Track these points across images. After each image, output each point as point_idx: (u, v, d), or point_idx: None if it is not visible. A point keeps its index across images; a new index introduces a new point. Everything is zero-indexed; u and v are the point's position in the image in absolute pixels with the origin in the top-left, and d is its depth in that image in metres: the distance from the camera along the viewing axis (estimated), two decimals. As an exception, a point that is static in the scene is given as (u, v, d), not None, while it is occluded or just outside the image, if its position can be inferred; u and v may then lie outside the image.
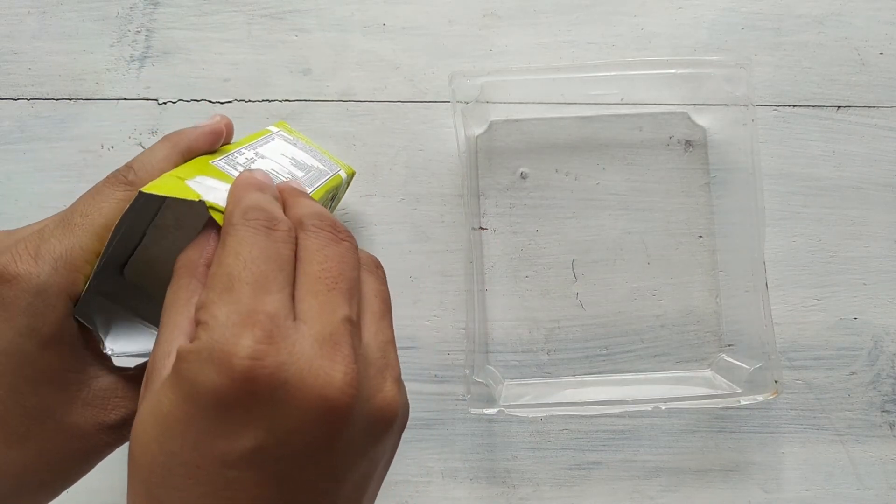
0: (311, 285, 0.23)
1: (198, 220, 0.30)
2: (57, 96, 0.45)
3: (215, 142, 0.32)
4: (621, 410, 0.41)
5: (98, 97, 0.45)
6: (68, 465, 0.27)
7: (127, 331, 0.29)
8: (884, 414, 0.44)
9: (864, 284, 0.44)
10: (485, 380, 0.40)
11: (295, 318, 0.22)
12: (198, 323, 0.22)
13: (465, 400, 0.42)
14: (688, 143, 0.45)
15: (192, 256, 0.25)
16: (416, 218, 0.44)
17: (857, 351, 0.44)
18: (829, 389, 0.44)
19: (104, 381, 0.27)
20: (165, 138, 0.30)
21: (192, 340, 0.22)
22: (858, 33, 0.46)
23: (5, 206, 0.44)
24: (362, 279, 0.26)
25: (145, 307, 0.31)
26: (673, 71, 0.42)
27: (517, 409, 0.40)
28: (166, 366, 0.22)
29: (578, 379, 0.43)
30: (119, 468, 0.44)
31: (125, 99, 0.45)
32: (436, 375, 0.43)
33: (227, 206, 0.26)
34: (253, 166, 0.32)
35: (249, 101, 0.45)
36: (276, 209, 0.26)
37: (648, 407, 0.40)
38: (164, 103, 0.45)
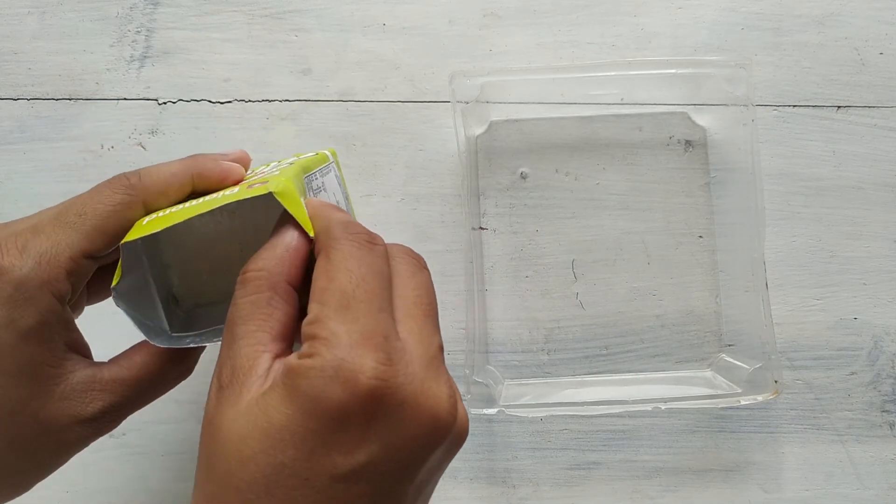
0: (409, 308, 0.25)
1: (257, 216, 0.29)
2: (57, 96, 0.45)
3: (230, 175, 0.31)
4: (621, 410, 0.41)
5: (98, 97, 0.45)
6: (42, 458, 0.27)
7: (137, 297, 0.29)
8: (884, 414, 0.44)
9: (864, 284, 0.44)
10: (485, 380, 0.40)
11: (399, 338, 0.23)
12: (312, 338, 0.22)
13: (465, 400, 0.42)
14: (688, 143, 0.45)
15: (271, 267, 0.25)
16: (416, 218, 0.44)
17: (857, 351, 0.44)
18: (829, 389, 0.44)
19: (82, 374, 0.27)
20: (186, 157, 0.30)
21: (302, 356, 0.22)
22: (858, 33, 0.46)
23: (5, 206, 0.44)
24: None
25: (161, 278, 0.31)
26: (673, 71, 0.42)
27: (517, 409, 0.40)
28: (261, 378, 0.23)
29: (578, 379, 0.43)
30: (119, 468, 0.44)
31: (125, 99, 0.45)
32: (436, 375, 0.43)
33: (318, 220, 0.26)
34: (320, 196, 0.31)
35: (249, 101, 0.45)
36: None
37: (648, 407, 0.40)
38: (164, 103, 0.45)
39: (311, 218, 0.26)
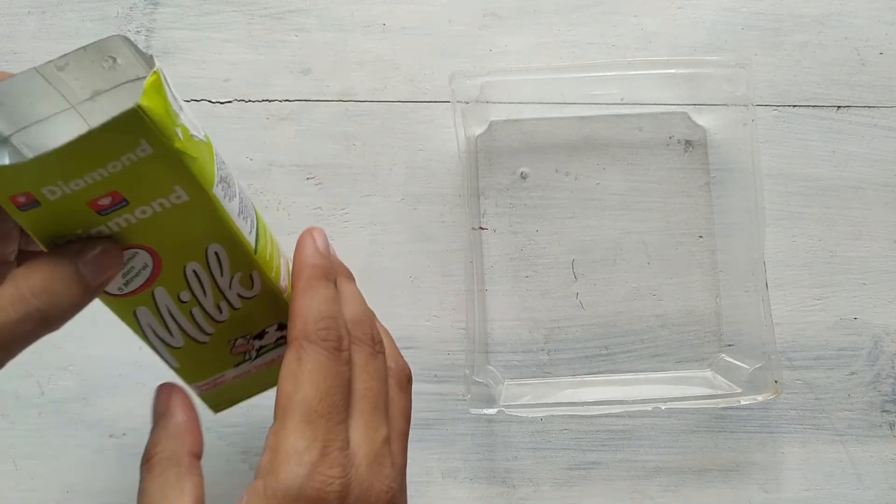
0: (358, 403, 0.27)
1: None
2: (57, 96, 0.45)
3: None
4: (621, 410, 0.41)
5: (98, 97, 0.45)
6: None
7: None
8: (884, 414, 0.44)
9: (864, 284, 0.44)
10: (485, 380, 0.40)
11: (350, 443, 0.26)
12: (275, 450, 0.25)
13: (465, 400, 0.42)
14: (688, 143, 0.45)
15: (171, 447, 0.26)
16: (416, 218, 0.44)
17: (857, 351, 0.44)
18: (829, 389, 0.44)
19: None
20: None
21: (266, 474, 0.24)
22: (858, 33, 0.46)
23: (5, 206, 0.44)
24: (391, 397, 0.29)
25: None
26: (673, 71, 0.42)
27: (517, 409, 0.40)
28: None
29: (578, 379, 0.43)
30: (119, 468, 0.44)
31: (125, 99, 0.45)
32: (436, 375, 0.43)
33: (298, 314, 0.27)
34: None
35: (249, 101, 0.45)
36: (340, 314, 0.28)
37: (648, 407, 0.40)
38: (164, 103, 0.45)
39: (293, 307, 0.27)
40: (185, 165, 0.23)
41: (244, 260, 0.27)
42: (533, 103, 0.45)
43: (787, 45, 0.46)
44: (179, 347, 0.29)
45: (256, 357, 0.31)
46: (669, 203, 0.45)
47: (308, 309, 0.27)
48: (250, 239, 0.27)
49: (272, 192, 0.44)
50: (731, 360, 0.43)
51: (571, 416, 0.43)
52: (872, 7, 0.46)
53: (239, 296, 0.28)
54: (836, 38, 0.46)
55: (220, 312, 0.28)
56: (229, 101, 0.45)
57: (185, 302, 0.27)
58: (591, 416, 0.43)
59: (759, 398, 0.40)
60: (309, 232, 0.29)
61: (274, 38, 0.45)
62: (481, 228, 0.44)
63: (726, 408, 0.43)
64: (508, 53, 0.45)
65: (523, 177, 0.45)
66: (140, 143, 0.22)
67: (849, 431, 0.44)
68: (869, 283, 0.44)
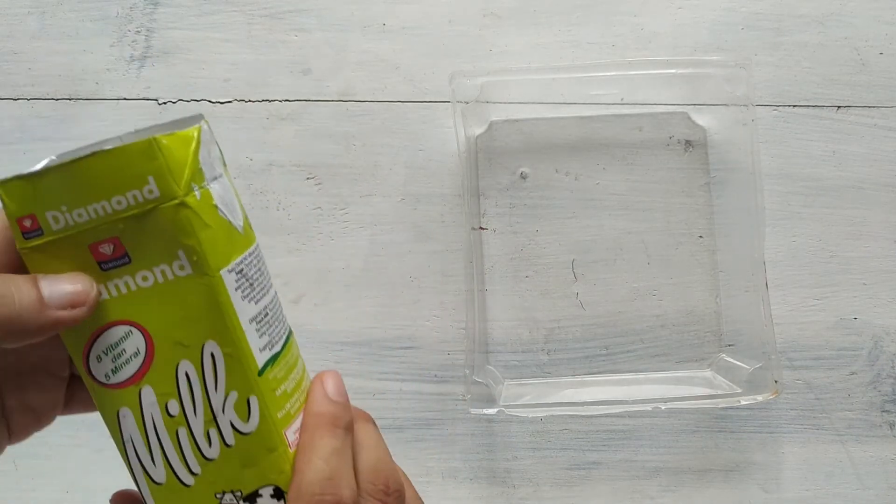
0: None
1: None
2: (57, 96, 0.45)
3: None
4: (621, 410, 0.41)
5: (98, 97, 0.45)
6: None
7: None
8: (884, 414, 0.44)
9: (864, 284, 0.44)
10: (485, 380, 0.40)
11: None
12: None
13: (465, 400, 0.42)
14: (688, 143, 0.45)
15: None
16: (416, 218, 0.44)
17: (857, 351, 0.44)
18: (829, 389, 0.44)
19: None
20: None
21: None
22: (858, 33, 0.46)
23: (5, 206, 0.44)
24: None
25: None
26: (673, 71, 0.42)
27: (517, 409, 0.40)
28: None
29: (578, 379, 0.43)
30: (119, 468, 0.44)
31: (125, 99, 0.45)
32: (436, 375, 0.43)
33: (298, 460, 0.24)
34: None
35: (249, 101, 0.45)
36: (346, 469, 0.25)
37: (648, 407, 0.40)
38: (164, 103, 0.45)
39: (294, 464, 0.24)
40: (190, 225, 0.22)
41: (242, 376, 0.23)
42: (533, 103, 0.45)
43: (787, 45, 0.46)
44: (161, 484, 0.25)
45: None
46: (669, 203, 0.44)
47: (307, 467, 0.24)
48: (260, 357, 0.24)
49: (272, 192, 0.44)
50: (731, 360, 0.43)
51: (571, 416, 0.43)
52: (872, 7, 0.46)
53: (233, 427, 0.24)
54: (836, 38, 0.46)
55: (210, 445, 0.24)
56: (229, 101, 0.45)
57: (173, 416, 0.24)
58: (592, 416, 0.43)
59: (759, 398, 0.40)
60: (319, 377, 0.26)
61: (274, 38, 0.45)
62: (481, 228, 0.44)
63: (726, 408, 0.43)
64: (508, 53, 0.45)
65: (523, 177, 0.45)
66: (147, 180, 0.21)
67: (849, 431, 0.44)
68: (869, 283, 0.44)
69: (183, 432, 0.24)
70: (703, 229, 0.44)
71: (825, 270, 0.44)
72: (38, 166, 0.23)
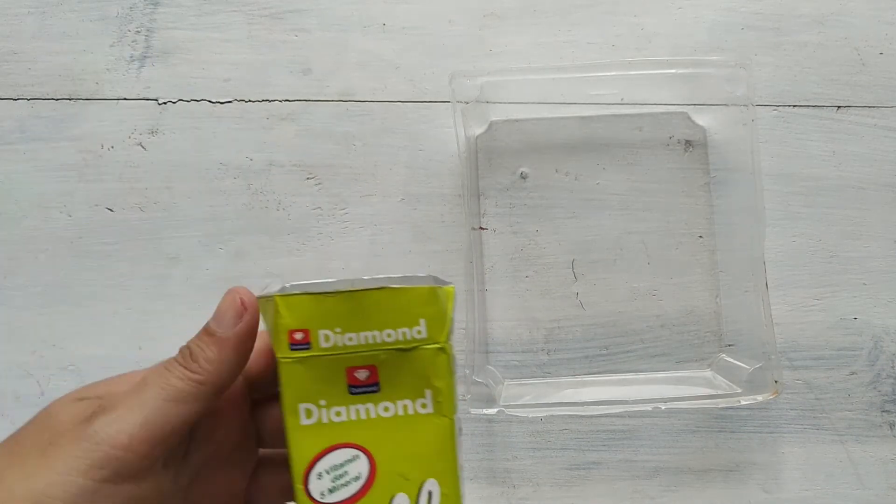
0: None
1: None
2: (57, 96, 0.45)
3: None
4: (621, 410, 0.41)
5: (98, 97, 0.45)
6: None
7: None
8: (884, 414, 0.44)
9: (864, 284, 0.44)
10: (485, 380, 0.40)
11: None
12: None
13: (465, 400, 0.42)
14: (688, 143, 0.45)
15: None
16: (416, 218, 0.44)
17: (857, 351, 0.44)
18: (829, 389, 0.44)
19: None
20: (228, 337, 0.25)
21: None
22: (858, 33, 0.46)
23: (5, 206, 0.44)
24: None
25: None
26: (673, 71, 0.42)
27: (517, 409, 0.40)
28: None
29: (578, 379, 0.43)
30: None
31: (125, 99, 0.45)
32: (436, 375, 0.43)
33: None
34: None
35: (249, 101, 0.45)
36: None
37: (648, 407, 0.40)
38: (164, 103, 0.45)
39: None
40: (444, 369, 0.24)
41: None
42: (533, 103, 0.45)
43: (787, 45, 0.46)
44: None
45: None
46: (669, 203, 0.44)
47: None
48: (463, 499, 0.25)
49: (272, 192, 0.44)
50: (731, 360, 0.43)
51: (571, 416, 0.43)
52: (872, 7, 0.46)
53: None
54: (836, 38, 0.46)
55: None
56: (229, 101, 0.45)
57: None
58: (591, 416, 0.43)
59: (759, 398, 0.40)
60: None
61: (274, 38, 0.45)
62: (481, 228, 0.44)
63: (726, 408, 0.43)
64: (508, 53, 0.45)
65: (523, 177, 0.45)
66: (419, 322, 0.24)
67: (849, 431, 0.44)
68: (869, 283, 0.44)
69: None
70: (703, 229, 0.44)
71: (825, 270, 0.44)
72: (321, 286, 0.24)
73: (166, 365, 0.25)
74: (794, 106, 0.45)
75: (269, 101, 0.45)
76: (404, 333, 0.24)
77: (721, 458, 0.43)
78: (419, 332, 0.24)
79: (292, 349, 0.24)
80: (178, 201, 0.44)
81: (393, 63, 0.45)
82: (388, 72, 0.45)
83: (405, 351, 0.24)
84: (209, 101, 0.45)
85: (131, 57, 0.45)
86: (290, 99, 0.45)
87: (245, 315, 0.25)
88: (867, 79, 0.45)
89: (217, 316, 0.25)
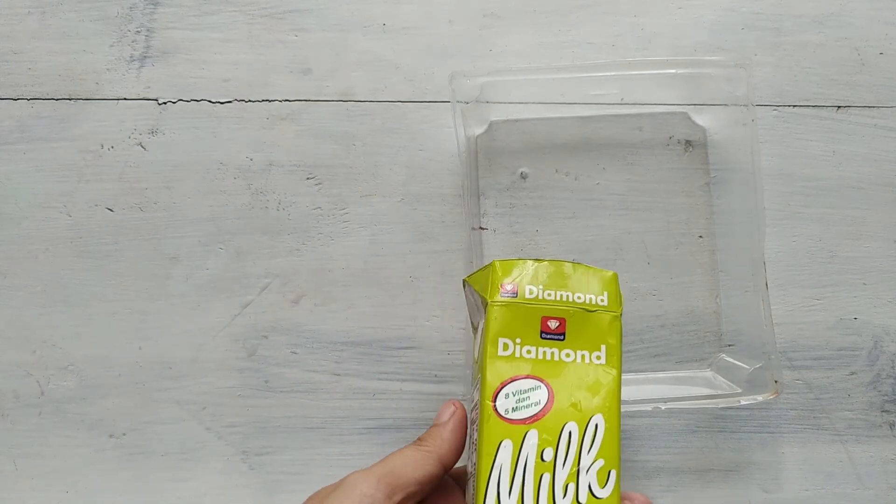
0: None
1: None
2: (57, 96, 0.45)
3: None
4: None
5: (98, 97, 0.45)
6: None
7: None
8: (884, 414, 0.44)
9: (864, 284, 0.44)
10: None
11: None
12: None
13: (465, 400, 0.42)
14: (688, 143, 0.45)
15: None
16: (416, 218, 0.44)
17: (857, 351, 0.44)
18: (829, 389, 0.44)
19: None
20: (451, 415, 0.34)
21: None
22: (858, 33, 0.46)
23: (5, 206, 0.44)
24: None
25: None
26: (673, 71, 0.42)
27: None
28: None
29: (578, 379, 0.43)
30: (119, 468, 0.44)
31: (125, 99, 0.45)
32: (436, 375, 0.43)
33: None
34: None
35: (249, 101, 0.45)
36: None
37: (648, 407, 0.40)
38: (164, 103, 0.45)
39: None
40: (618, 332, 0.31)
41: (612, 449, 0.29)
42: (533, 103, 0.45)
43: (787, 45, 0.46)
44: None
45: None
46: (669, 203, 0.45)
47: None
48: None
49: (272, 192, 0.44)
50: (731, 360, 0.43)
51: (571, 416, 0.43)
52: (872, 7, 0.46)
53: (589, 488, 0.29)
54: (836, 38, 0.46)
55: (564, 496, 0.29)
56: (229, 101, 0.45)
57: (545, 462, 0.29)
58: (591, 416, 0.43)
59: (759, 398, 0.40)
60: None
61: (274, 38, 0.45)
62: (481, 228, 0.44)
63: (726, 408, 0.43)
64: (508, 53, 0.45)
65: (523, 177, 0.45)
66: (603, 294, 0.31)
67: (849, 431, 0.44)
68: (869, 283, 0.44)
69: (546, 477, 0.29)
70: (703, 229, 0.44)
71: (825, 270, 0.45)
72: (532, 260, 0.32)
73: (402, 449, 0.32)
74: (794, 106, 0.45)
75: (269, 101, 0.45)
76: (591, 299, 0.31)
77: (721, 458, 0.43)
78: (602, 300, 0.31)
79: (502, 296, 0.30)
80: (178, 201, 0.44)
81: (393, 63, 0.45)
82: (388, 72, 0.45)
83: (590, 312, 0.31)
84: (209, 101, 0.45)
85: (131, 57, 0.45)
86: (290, 99, 0.45)
87: (457, 411, 0.33)
88: (867, 79, 0.46)
89: (438, 414, 0.34)
